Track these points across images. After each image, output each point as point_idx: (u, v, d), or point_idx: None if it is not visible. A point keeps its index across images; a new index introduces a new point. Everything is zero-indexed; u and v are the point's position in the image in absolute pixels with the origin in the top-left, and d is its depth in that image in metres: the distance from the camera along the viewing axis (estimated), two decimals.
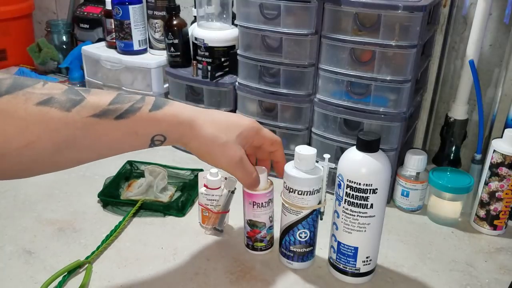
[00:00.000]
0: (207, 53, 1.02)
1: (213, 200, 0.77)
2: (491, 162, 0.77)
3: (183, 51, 1.06)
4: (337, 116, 0.86)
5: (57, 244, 0.75)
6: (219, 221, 0.77)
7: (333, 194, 0.68)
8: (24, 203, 0.85)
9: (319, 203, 0.68)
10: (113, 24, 1.15)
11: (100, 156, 0.55)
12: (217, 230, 0.78)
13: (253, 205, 0.70)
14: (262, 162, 0.72)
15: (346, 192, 0.63)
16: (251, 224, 0.72)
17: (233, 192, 0.77)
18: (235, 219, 0.81)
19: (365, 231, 0.64)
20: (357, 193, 0.62)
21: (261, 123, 0.94)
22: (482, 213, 0.81)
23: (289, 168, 0.66)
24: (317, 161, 0.67)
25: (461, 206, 0.83)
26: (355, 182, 0.62)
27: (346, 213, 0.64)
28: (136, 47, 1.13)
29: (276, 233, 0.74)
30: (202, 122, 0.60)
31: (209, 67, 0.98)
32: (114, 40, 1.16)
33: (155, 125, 0.56)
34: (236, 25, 0.93)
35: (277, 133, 0.94)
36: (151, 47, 1.14)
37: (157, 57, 1.11)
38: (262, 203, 0.70)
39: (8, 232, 0.77)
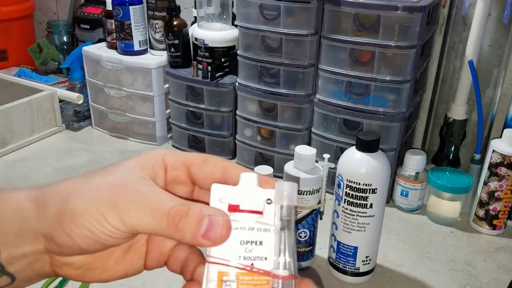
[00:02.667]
0: (207, 54, 1.02)
1: (254, 242, 0.30)
2: (490, 162, 0.78)
3: (183, 51, 1.06)
4: (336, 116, 0.86)
5: None
6: None
7: (332, 194, 0.68)
8: None
9: (319, 202, 0.68)
10: (113, 25, 1.15)
11: None
12: None
13: None
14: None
15: (346, 192, 0.63)
16: None
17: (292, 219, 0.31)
18: None
19: (364, 230, 0.65)
20: (356, 193, 0.63)
21: (261, 123, 0.96)
22: (481, 213, 0.81)
23: (289, 168, 0.67)
24: (316, 161, 0.67)
25: (460, 206, 0.83)
26: (354, 182, 0.62)
27: (346, 212, 0.65)
28: (136, 47, 1.13)
29: None
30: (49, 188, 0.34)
31: (209, 68, 0.98)
32: (115, 41, 1.16)
33: None
34: (236, 26, 0.94)
35: (277, 133, 0.94)
36: (152, 47, 1.14)
37: (158, 58, 1.11)
38: None
39: None
